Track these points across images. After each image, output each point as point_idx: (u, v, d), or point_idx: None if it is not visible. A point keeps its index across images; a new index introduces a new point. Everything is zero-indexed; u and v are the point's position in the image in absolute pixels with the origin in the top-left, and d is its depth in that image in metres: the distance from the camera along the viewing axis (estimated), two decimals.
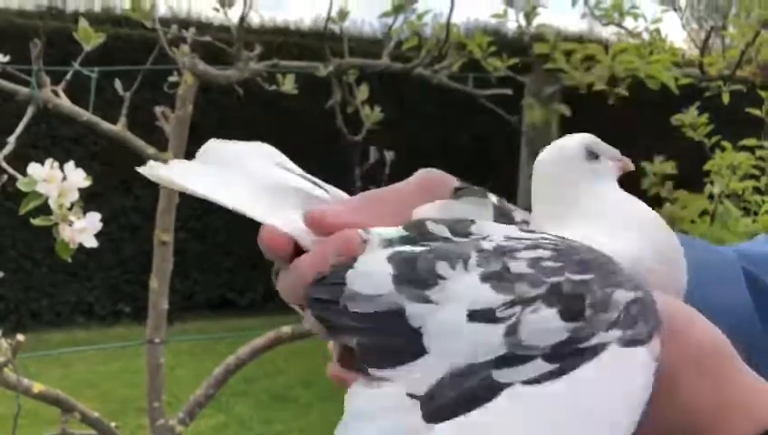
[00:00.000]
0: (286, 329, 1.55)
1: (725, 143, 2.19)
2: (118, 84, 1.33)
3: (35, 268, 5.59)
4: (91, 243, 0.97)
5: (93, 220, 0.98)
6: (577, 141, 0.42)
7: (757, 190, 2.08)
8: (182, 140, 1.40)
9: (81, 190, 0.98)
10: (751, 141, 2.09)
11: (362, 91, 1.58)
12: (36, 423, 1.75)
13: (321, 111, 1.75)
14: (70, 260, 0.99)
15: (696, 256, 0.42)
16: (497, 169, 2.18)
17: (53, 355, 4.83)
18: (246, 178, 0.41)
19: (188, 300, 6.01)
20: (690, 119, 2.18)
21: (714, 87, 2.06)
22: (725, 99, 2.06)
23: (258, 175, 0.41)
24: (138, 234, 5.22)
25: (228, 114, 6.08)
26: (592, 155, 0.42)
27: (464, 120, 6.38)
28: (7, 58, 1.25)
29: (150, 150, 1.36)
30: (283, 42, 5.67)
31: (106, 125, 1.31)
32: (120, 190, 5.54)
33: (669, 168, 2.14)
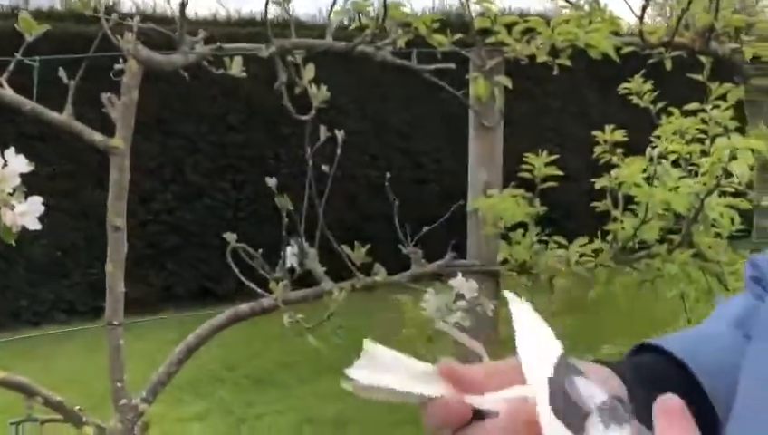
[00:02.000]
0: (244, 307, 1.60)
1: (673, 109, 2.26)
2: (62, 73, 1.36)
3: (11, 269, 5.58)
4: (34, 226, 1.01)
5: (35, 203, 1.01)
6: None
7: (704, 153, 2.15)
8: (129, 126, 1.43)
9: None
10: (693, 106, 2.15)
11: (308, 70, 1.61)
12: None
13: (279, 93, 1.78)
14: (14, 244, 1.03)
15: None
16: (460, 143, 2.22)
17: (31, 351, 4.84)
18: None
19: (166, 292, 6.03)
20: (636, 86, 2.23)
21: (656, 55, 2.11)
22: (668, 65, 2.11)
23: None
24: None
25: (198, 102, 6.07)
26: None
27: (429, 100, 6.41)
28: None
29: (97, 137, 1.39)
30: (248, 32, 5.68)
31: (51, 114, 1.34)
32: (93, 187, 5.53)
33: (619, 135, 2.19)
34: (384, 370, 0.44)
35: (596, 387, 0.42)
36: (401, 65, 1.71)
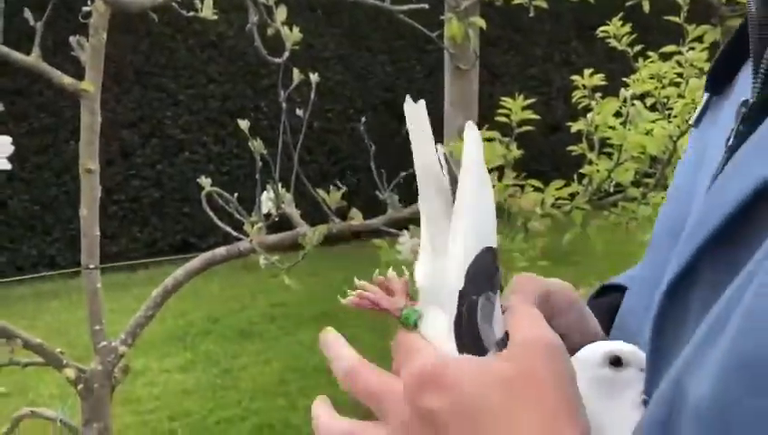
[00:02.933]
0: (220, 250, 1.60)
1: (651, 52, 2.25)
2: (28, 14, 1.33)
3: None
4: (4, 166, 1.00)
5: (4, 145, 1.01)
6: (599, 352, 0.42)
7: (681, 97, 2.15)
8: (98, 69, 1.41)
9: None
10: (670, 48, 2.15)
11: (280, 13, 1.59)
12: None
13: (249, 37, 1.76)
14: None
15: None
16: (441, 92, 2.20)
17: (14, 306, 4.85)
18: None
19: (151, 247, 6.02)
20: (614, 30, 2.23)
21: None
22: (645, 7, 2.11)
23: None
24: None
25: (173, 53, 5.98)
26: (617, 362, 0.42)
27: (410, 51, 6.35)
28: None
29: (67, 80, 1.38)
30: None
31: (18, 55, 1.32)
32: (70, 141, 5.47)
33: (598, 79, 2.19)
34: None
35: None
36: (375, 6, 1.69)
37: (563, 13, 6.46)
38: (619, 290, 0.53)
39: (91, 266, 1.45)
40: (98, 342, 1.49)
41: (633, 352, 0.42)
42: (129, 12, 1.46)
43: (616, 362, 0.41)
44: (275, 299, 4.59)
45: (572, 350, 0.44)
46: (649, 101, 2.12)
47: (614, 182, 2.05)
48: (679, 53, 2.12)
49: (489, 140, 1.89)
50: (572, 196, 2.03)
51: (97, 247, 1.46)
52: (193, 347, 4.20)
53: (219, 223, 1.53)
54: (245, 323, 4.50)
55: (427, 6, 1.69)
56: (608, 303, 0.53)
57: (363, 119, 1.89)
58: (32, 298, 5.33)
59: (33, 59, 1.35)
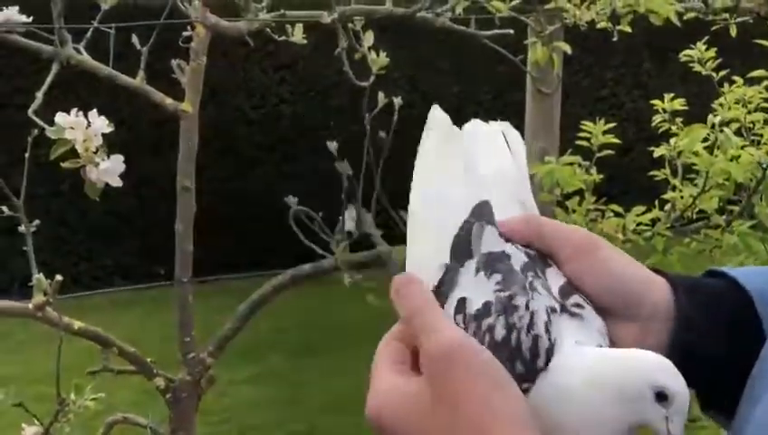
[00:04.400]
0: (306, 267, 1.65)
1: (736, 77, 2.21)
2: (135, 40, 1.41)
3: (71, 235, 5.79)
4: (116, 183, 1.06)
5: (117, 161, 1.07)
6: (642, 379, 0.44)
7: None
8: (197, 90, 1.48)
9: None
10: (758, 73, 2.10)
11: (367, 38, 1.64)
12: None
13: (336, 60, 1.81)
14: (98, 199, 1.09)
15: None
16: (512, 114, 2.21)
17: (94, 317, 5.04)
18: None
19: (224, 260, 6.18)
20: (698, 54, 2.19)
21: (721, 21, 2.07)
22: (733, 32, 2.07)
23: None
24: (167, 197, 5.36)
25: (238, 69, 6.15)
26: (661, 397, 0.43)
27: (480, 72, 6.37)
28: (30, 19, 1.33)
29: (168, 101, 1.45)
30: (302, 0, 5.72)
31: (125, 78, 1.40)
32: (148, 156, 5.67)
33: (678, 104, 2.16)
34: None
35: (501, 240, 0.48)
36: (459, 32, 1.72)
37: (636, 34, 6.37)
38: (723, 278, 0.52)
39: (184, 280, 1.51)
40: (186, 353, 1.55)
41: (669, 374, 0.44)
42: (228, 36, 1.53)
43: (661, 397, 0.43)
44: (341, 314, 4.64)
45: (587, 294, 0.47)
46: (734, 126, 2.08)
47: (696, 209, 2.02)
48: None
49: (570, 164, 1.89)
50: (653, 222, 2.00)
51: (190, 261, 1.52)
52: (261, 360, 4.28)
53: (305, 240, 1.57)
54: (312, 337, 4.56)
55: (512, 32, 1.70)
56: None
57: None
58: (108, 307, 5.52)
59: (138, 82, 1.42)
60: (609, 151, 2.01)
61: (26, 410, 1.38)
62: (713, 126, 1.80)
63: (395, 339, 0.48)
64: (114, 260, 6.00)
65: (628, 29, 1.84)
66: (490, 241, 0.48)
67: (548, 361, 0.44)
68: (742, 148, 1.88)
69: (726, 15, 2.01)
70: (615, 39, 1.86)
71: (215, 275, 5.93)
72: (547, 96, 1.89)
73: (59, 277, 1.31)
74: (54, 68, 1.32)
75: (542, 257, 0.49)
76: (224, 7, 1.58)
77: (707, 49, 2.21)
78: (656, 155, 1.99)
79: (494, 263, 0.47)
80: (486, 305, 0.46)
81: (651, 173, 2.03)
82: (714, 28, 2.10)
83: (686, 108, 2.13)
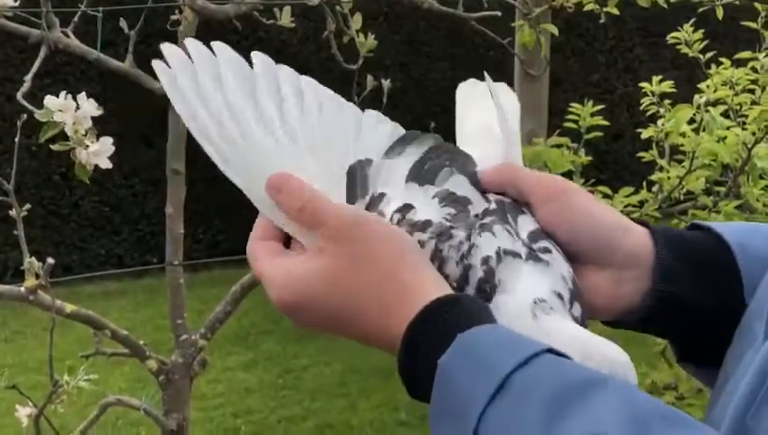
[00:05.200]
0: None
1: (723, 59, 2.22)
2: (123, 23, 1.41)
3: (63, 224, 5.78)
4: (106, 164, 1.07)
5: (107, 144, 1.08)
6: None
7: (755, 104, 2.12)
8: None
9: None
10: (745, 54, 2.12)
11: (356, 20, 1.64)
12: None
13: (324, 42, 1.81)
14: (87, 182, 1.10)
15: None
16: None
17: (87, 305, 5.04)
18: None
19: (214, 249, 6.19)
20: (685, 36, 2.20)
21: (707, 2, 2.08)
22: (719, 13, 2.08)
23: None
24: (160, 186, 5.36)
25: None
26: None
27: (471, 58, 6.36)
28: (17, 2, 1.34)
29: (157, 85, 1.45)
30: None
31: (114, 62, 1.40)
32: (140, 145, 5.67)
33: (667, 87, 2.17)
34: None
35: (472, 189, 0.50)
36: (447, 14, 1.73)
37: (627, 19, 6.38)
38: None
39: (175, 263, 1.52)
40: (179, 335, 1.56)
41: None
42: (215, 19, 1.53)
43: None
44: None
45: (561, 242, 0.48)
46: (721, 109, 2.10)
47: (684, 190, 2.04)
48: (755, 59, 2.08)
49: (558, 146, 1.90)
50: (641, 203, 2.02)
51: (181, 245, 1.53)
52: (255, 346, 4.30)
53: None
54: None
55: (499, 14, 1.71)
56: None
57: (433, 124, 1.92)
58: (100, 296, 5.52)
59: (127, 65, 1.43)
60: (598, 133, 2.03)
61: (21, 393, 1.39)
62: (698, 107, 1.82)
63: (260, 239, 0.49)
64: (106, 250, 6.00)
65: (616, 11, 1.85)
66: (457, 184, 0.50)
67: (484, 294, 0.45)
68: (728, 129, 1.90)
69: None
70: (602, 21, 1.87)
71: (206, 259, 5.94)
72: (535, 78, 1.90)
73: (51, 260, 1.32)
74: (42, 52, 1.33)
75: (516, 205, 0.50)
76: None
77: (695, 31, 2.22)
78: (643, 137, 2.01)
79: (453, 201, 0.49)
80: (428, 222, 0.47)
81: (639, 154, 2.04)
82: (700, 10, 2.12)
83: (674, 90, 2.15)
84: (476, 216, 0.48)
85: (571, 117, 1.98)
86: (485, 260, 0.45)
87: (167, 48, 0.54)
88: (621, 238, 0.49)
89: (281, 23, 1.64)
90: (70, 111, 1.06)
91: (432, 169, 0.51)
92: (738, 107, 2.13)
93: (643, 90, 2.19)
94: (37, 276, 1.33)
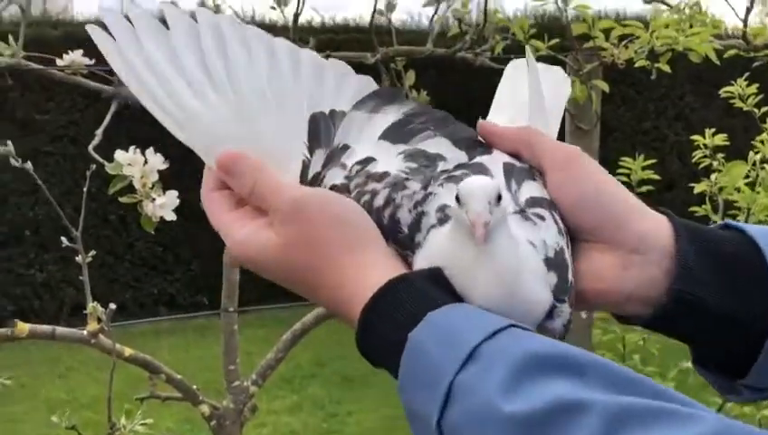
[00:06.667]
0: None
1: None
2: None
3: (118, 263, 5.94)
4: (171, 217, 1.12)
5: (172, 197, 1.13)
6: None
7: None
8: None
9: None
10: None
11: (409, 77, 1.69)
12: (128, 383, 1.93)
13: None
14: (152, 232, 1.15)
15: None
16: None
17: (139, 344, 5.15)
18: None
19: (265, 290, 6.27)
20: (738, 90, 2.19)
21: (762, 57, 2.08)
22: None
23: None
24: (212, 228, 5.48)
25: None
26: (456, 200, 0.43)
27: None
28: (92, 62, 1.42)
29: None
30: (344, 38, 5.84)
31: None
32: (195, 187, 5.81)
33: (720, 140, 2.16)
34: None
35: (451, 147, 0.50)
36: (499, 70, 1.76)
37: (677, 68, 6.35)
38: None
39: (230, 309, 1.56)
40: (231, 381, 1.59)
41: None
42: None
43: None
44: None
45: (566, 212, 0.46)
46: None
47: None
48: None
49: None
50: None
51: (236, 291, 1.57)
52: (300, 390, 4.31)
53: None
54: (351, 369, 4.58)
55: None
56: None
57: None
58: (152, 335, 5.63)
59: None
60: (650, 187, 2.02)
61: (79, 433, 1.44)
62: (754, 163, 1.80)
63: (212, 190, 0.51)
64: (159, 289, 6.13)
65: (667, 68, 1.86)
66: (434, 144, 0.50)
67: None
68: None
69: (767, 52, 2.02)
70: (653, 77, 1.88)
71: (256, 305, 6.02)
72: (586, 133, 1.92)
73: (112, 306, 1.38)
74: (113, 107, 1.40)
75: (528, 171, 0.49)
76: None
77: (749, 85, 2.21)
78: (696, 191, 1.99)
79: (421, 157, 0.49)
80: (385, 174, 0.47)
81: (692, 209, 2.02)
82: (755, 65, 2.11)
83: (727, 143, 2.13)
84: (445, 171, 0.48)
85: (622, 170, 1.98)
86: (442, 208, 0.45)
87: (110, 16, 0.51)
88: (635, 220, 0.46)
89: None
90: (138, 165, 1.12)
91: (411, 131, 0.50)
92: None
93: (696, 142, 2.18)
94: (99, 320, 1.39)
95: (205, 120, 0.51)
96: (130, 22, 0.51)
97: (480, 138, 0.52)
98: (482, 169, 0.48)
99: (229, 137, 0.51)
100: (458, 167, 0.48)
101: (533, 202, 0.46)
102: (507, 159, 0.50)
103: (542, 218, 0.46)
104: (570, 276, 0.45)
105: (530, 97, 0.54)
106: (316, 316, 1.64)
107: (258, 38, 0.53)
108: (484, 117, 0.55)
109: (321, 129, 0.51)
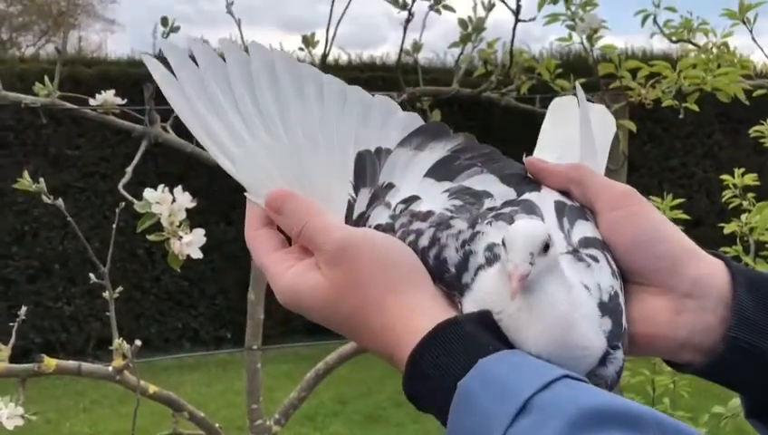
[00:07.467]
0: None
1: None
2: None
3: (144, 297, 5.98)
4: (197, 255, 1.13)
5: (199, 235, 1.14)
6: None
7: None
8: None
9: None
10: None
11: (435, 115, 1.70)
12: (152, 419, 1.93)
13: None
14: (179, 270, 1.16)
15: None
16: None
17: (162, 378, 5.15)
18: None
19: (286, 325, 6.26)
20: (767, 129, 2.17)
21: None
22: None
23: None
24: (238, 263, 5.51)
25: None
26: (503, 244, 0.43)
27: None
28: (124, 101, 1.45)
29: None
30: (370, 76, 5.91)
31: (206, 154, 1.49)
32: (221, 223, 5.87)
33: (750, 180, 2.13)
34: None
35: (497, 182, 0.49)
36: (525, 110, 1.77)
37: (706, 106, 6.32)
38: None
39: (254, 348, 1.55)
40: (254, 419, 1.58)
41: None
42: None
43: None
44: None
45: (620, 255, 0.45)
46: None
47: None
48: None
49: None
50: None
51: (260, 329, 1.57)
52: (323, 428, 4.27)
53: None
54: (373, 407, 4.53)
55: None
56: None
57: None
58: (175, 369, 5.63)
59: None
60: (679, 226, 1.99)
61: None
62: None
63: (256, 229, 0.51)
64: (183, 323, 6.15)
65: (695, 108, 1.85)
66: (481, 181, 0.49)
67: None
68: None
69: None
70: (681, 117, 1.87)
71: (279, 342, 6.01)
72: (613, 172, 1.90)
73: (138, 343, 1.38)
74: (143, 146, 1.43)
75: (580, 210, 0.47)
76: None
77: None
78: (726, 231, 1.96)
79: (466, 194, 0.48)
80: (429, 213, 0.46)
81: (723, 249, 1.99)
82: None
83: (757, 183, 2.10)
84: (492, 208, 0.47)
85: None
86: (490, 247, 0.44)
87: (167, 47, 0.52)
88: (690, 264, 0.45)
89: None
90: (166, 204, 1.13)
91: (457, 167, 0.50)
92: None
93: (725, 182, 2.15)
94: (124, 356, 1.39)
95: (257, 157, 0.51)
96: (192, 57, 0.52)
97: (528, 174, 0.51)
98: (530, 207, 0.47)
99: (279, 175, 0.51)
100: (506, 204, 0.47)
101: (587, 243, 0.45)
102: (558, 196, 0.49)
103: (596, 260, 0.44)
104: (624, 322, 0.44)
105: (581, 134, 0.53)
106: (339, 355, 1.63)
107: (310, 76, 0.53)
108: (504, 151, 0.54)
109: (366, 167, 0.51)
